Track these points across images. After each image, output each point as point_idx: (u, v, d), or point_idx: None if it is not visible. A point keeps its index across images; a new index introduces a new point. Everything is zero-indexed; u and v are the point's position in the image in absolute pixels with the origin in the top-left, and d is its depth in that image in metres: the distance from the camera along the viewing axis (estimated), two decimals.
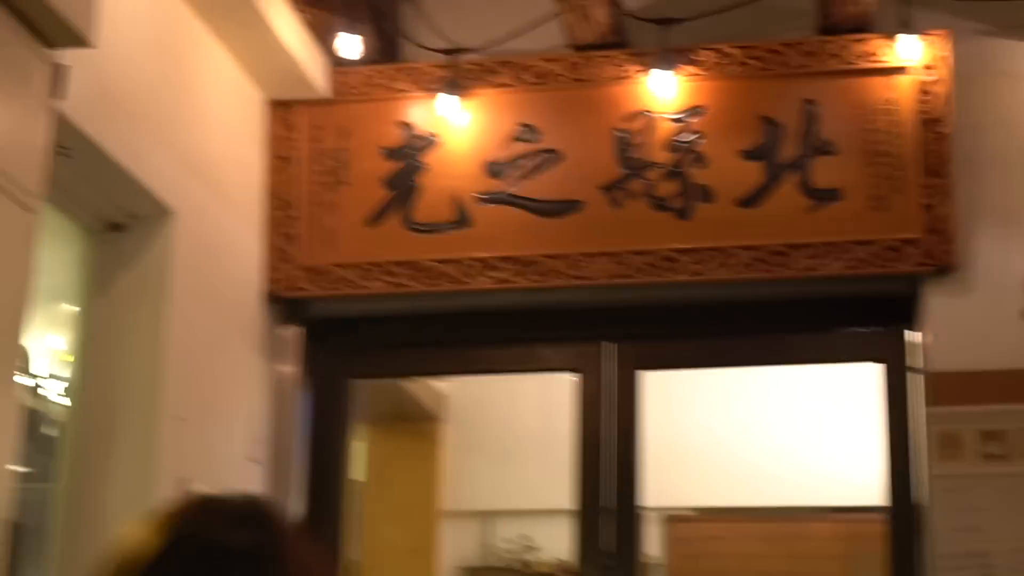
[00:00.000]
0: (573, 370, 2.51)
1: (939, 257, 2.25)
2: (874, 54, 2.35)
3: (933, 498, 2.20)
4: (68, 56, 1.58)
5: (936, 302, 2.26)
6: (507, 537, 3.50)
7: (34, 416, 2.12)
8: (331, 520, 2.49)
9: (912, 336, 2.33)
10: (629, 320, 2.51)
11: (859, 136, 2.33)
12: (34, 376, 2.23)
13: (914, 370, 2.31)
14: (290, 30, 2.33)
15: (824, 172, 2.33)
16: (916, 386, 2.29)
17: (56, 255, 2.08)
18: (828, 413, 3.46)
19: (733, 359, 2.68)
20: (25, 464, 1.66)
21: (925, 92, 2.31)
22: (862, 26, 2.37)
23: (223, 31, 2.24)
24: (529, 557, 3.40)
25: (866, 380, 2.52)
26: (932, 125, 2.29)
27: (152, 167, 2.01)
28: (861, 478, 2.79)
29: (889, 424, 2.35)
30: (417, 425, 3.64)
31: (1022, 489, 2.17)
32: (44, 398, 2.26)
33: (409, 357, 2.77)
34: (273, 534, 0.66)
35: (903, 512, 2.31)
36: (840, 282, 2.32)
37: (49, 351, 2.29)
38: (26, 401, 1.90)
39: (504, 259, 2.37)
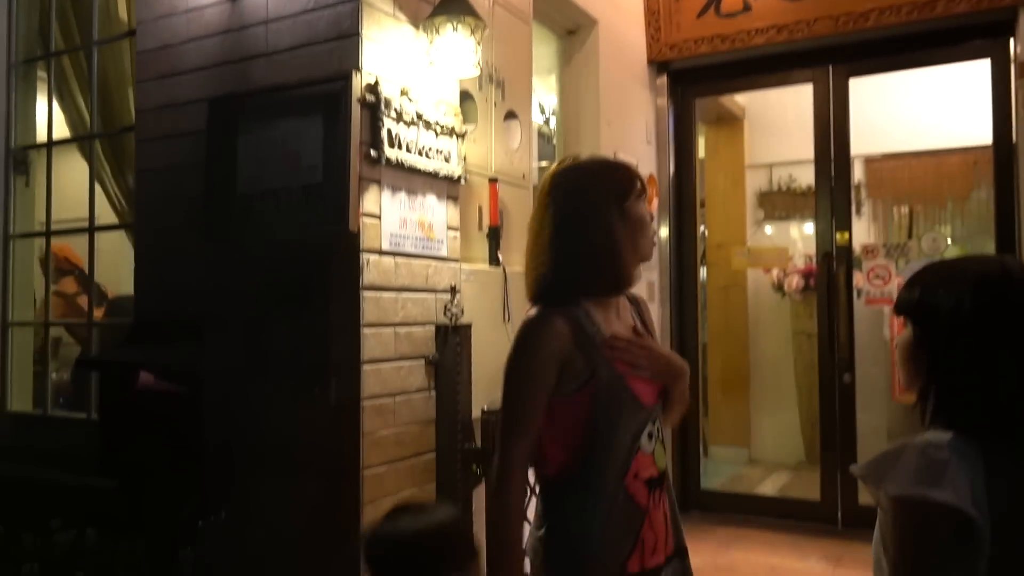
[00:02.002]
0: (810, 81, 4.64)
1: None
2: None
3: (1019, 138, 4.07)
4: None
5: None
6: (782, 177, 5.98)
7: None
8: (688, 170, 5.03)
9: (1011, 44, 4.07)
10: (840, 51, 4.53)
11: None
12: (543, 112, 4.92)
13: (1012, 62, 4.08)
14: None
15: None
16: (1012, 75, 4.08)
17: (542, 49, 4.61)
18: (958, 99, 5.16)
19: (913, 62, 4.58)
20: None
21: None
22: None
23: None
24: (792, 185, 5.89)
25: (981, 77, 4.28)
26: None
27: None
28: (981, 134, 4.50)
29: (995, 98, 4.18)
30: (730, 124, 6.01)
31: None
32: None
33: (724, 86, 5.06)
34: None
35: (1004, 148, 4.20)
36: (964, 16, 4.09)
37: (544, 101, 4.95)
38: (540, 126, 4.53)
39: (772, 26, 4.49)
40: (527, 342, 1.64)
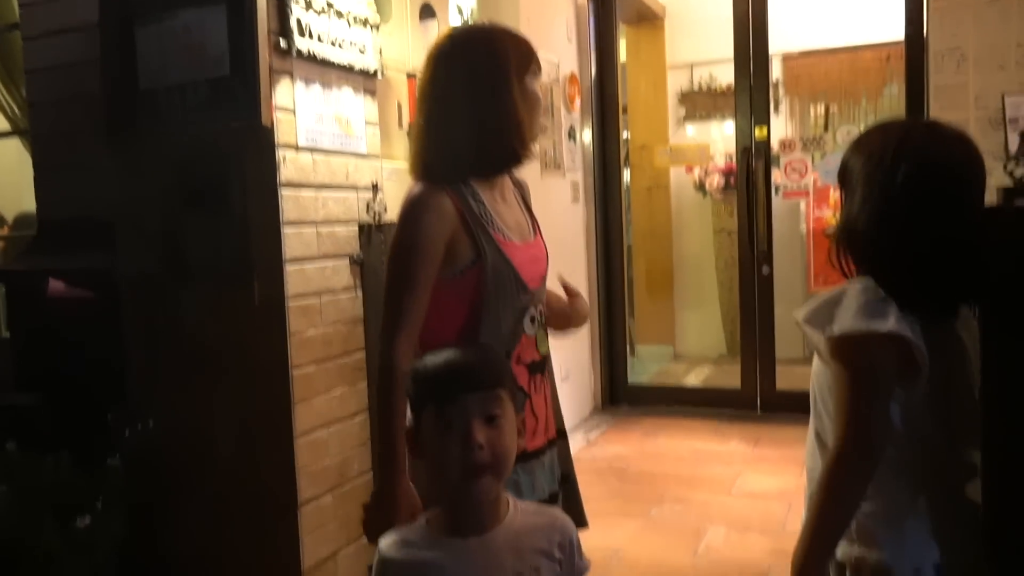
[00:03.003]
0: None
1: None
2: None
3: (929, 33, 4.14)
4: None
5: None
6: (703, 76, 5.99)
7: None
8: (610, 71, 4.98)
9: None
10: None
11: None
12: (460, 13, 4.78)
13: None
14: None
15: None
16: None
17: None
18: None
19: None
20: None
21: None
22: None
23: None
24: (712, 85, 5.93)
25: None
26: None
27: None
28: (894, 30, 4.51)
29: None
30: (651, 23, 5.97)
31: None
32: None
33: None
34: None
35: (915, 44, 4.26)
36: None
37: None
38: None
39: None
40: (410, 223, 1.53)
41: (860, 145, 1.36)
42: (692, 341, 6.19)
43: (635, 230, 5.99)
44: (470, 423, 1.15)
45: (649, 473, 3.84)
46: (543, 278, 1.68)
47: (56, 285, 2.16)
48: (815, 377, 1.37)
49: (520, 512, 1.22)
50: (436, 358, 1.22)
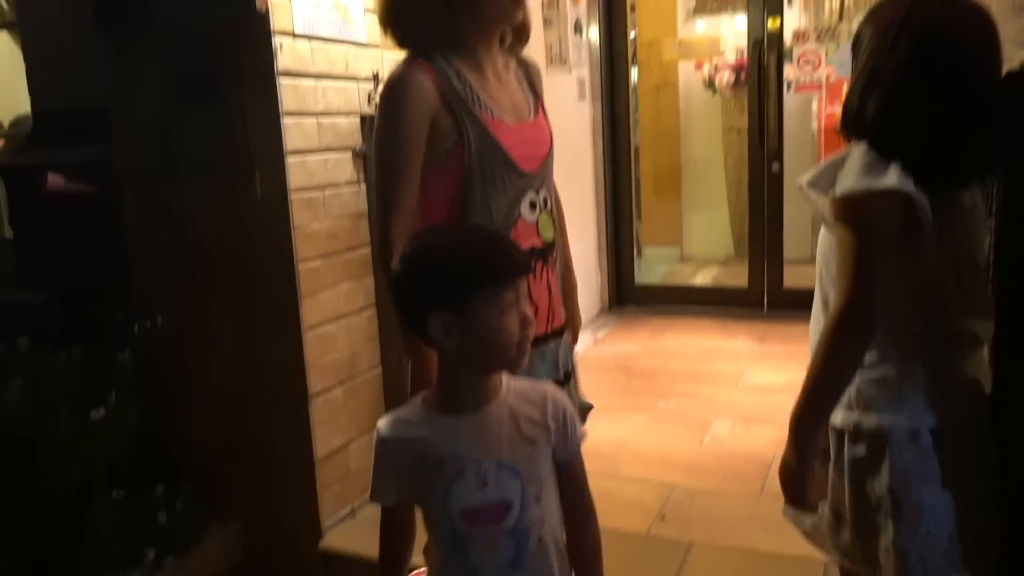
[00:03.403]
0: None
1: None
2: None
3: None
4: None
5: None
6: None
7: None
8: None
9: None
10: None
11: None
12: None
13: None
14: None
15: None
16: None
17: None
18: None
19: None
20: None
21: None
22: None
23: None
24: None
25: None
26: None
27: None
28: None
29: None
30: None
31: None
32: None
33: None
34: None
35: None
36: None
37: None
38: None
39: None
40: (390, 108, 1.51)
41: (872, 15, 1.31)
42: (699, 242, 6.16)
43: (642, 130, 5.87)
44: (522, 302, 1.16)
45: (656, 370, 3.87)
46: (543, 161, 1.63)
47: (55, 179, 2.13)
48: (820, 246, 1.37)
49: (513, 387, 1.23)
50: (479, 245, 1.19)
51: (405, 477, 1.20)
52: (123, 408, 2.24)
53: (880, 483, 1.24)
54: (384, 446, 1.21)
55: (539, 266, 1.61)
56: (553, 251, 1.66)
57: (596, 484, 1.30)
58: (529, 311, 1.17)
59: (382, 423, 1.23)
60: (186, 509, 2.40)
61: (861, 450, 1.27)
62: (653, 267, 5.82)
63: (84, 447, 2.13)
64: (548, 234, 1.63)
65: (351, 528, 2.53)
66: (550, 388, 1.26)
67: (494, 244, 1.20)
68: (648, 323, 4.64)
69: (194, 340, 2.52)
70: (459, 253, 1.17)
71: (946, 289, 1.25)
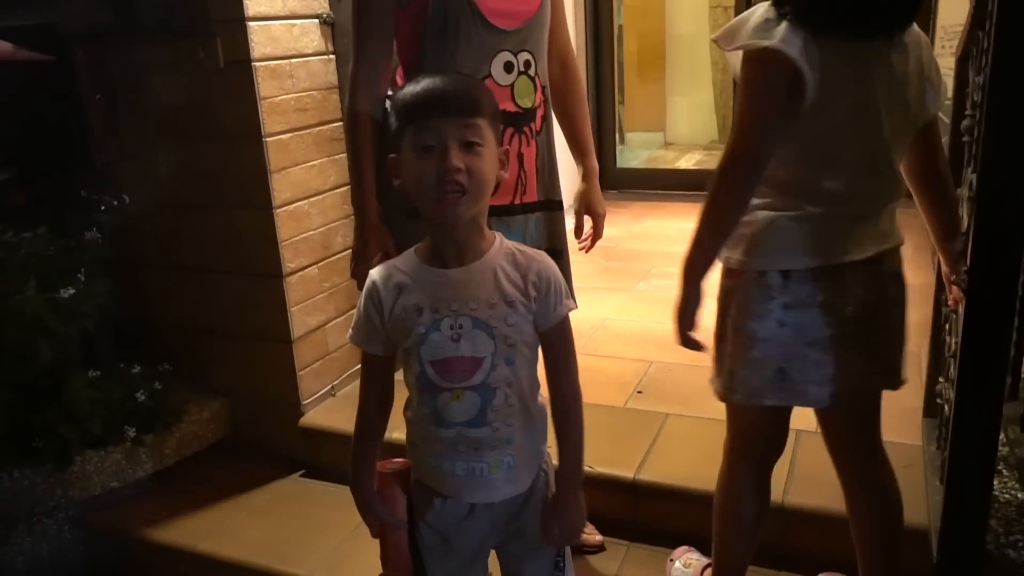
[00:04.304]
0: None
1: None
2: None
3: None
4: None
5: None
6: None
7: None
8: None
9: None
10: None
11: None
12: None
13: None
14: None
15: None
16: None
17: None
18: None
19: None
20: None
21: None
22: None
23: None
24: None
25: None
26: None
27: None
28: None
29: None
30: None
31: None
32: None
33: None
34: None
35: None
36: None
37: None
38: None
39: None
40: None
41: None
42: (683, 127, 6.05)
43: (626, 8, 5.67)
44: (447, 146, 1.12)
45: (636, 251, 3.86)
46: (527, 19, 1.55)
47: (3, 46, 2.01)
48: None
49: (504, 249, 1.22)
50: (415, 85, 1.18)
51: (387, 321, 1.21)
52: (93, 286, 2.21)
53: (730, 313, 1.38)
54: (372, 287, 1.22)
55: (508, 132, 1.55)
56: (530, 120, 1.60)
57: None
58: (456, 162, 1.12)
59: (375, 269, 1.25)
60: (165, 388, 2.41)
61: (727, 283, 1.39)
62: (636, 152, 5.74)
63: (55, 325, 2.11)
64: (526, 101, 1.57)
65: (331, 405, 2.55)
66: (540, 256, 1.25)
67: (436, 85, 1.16)
68: (629, 207, 4.59)
69: (163, 217, 2.46)
70: (403, 93, 1.18)
71: (830, 147, 1.27)
